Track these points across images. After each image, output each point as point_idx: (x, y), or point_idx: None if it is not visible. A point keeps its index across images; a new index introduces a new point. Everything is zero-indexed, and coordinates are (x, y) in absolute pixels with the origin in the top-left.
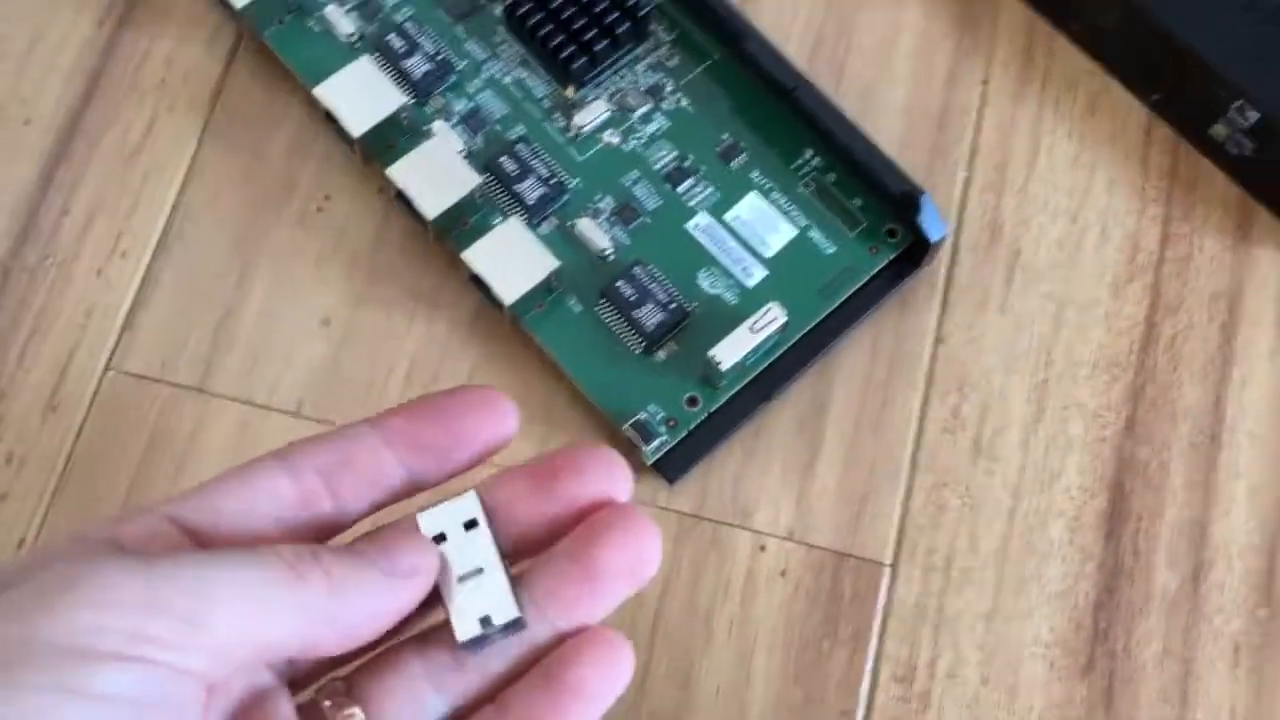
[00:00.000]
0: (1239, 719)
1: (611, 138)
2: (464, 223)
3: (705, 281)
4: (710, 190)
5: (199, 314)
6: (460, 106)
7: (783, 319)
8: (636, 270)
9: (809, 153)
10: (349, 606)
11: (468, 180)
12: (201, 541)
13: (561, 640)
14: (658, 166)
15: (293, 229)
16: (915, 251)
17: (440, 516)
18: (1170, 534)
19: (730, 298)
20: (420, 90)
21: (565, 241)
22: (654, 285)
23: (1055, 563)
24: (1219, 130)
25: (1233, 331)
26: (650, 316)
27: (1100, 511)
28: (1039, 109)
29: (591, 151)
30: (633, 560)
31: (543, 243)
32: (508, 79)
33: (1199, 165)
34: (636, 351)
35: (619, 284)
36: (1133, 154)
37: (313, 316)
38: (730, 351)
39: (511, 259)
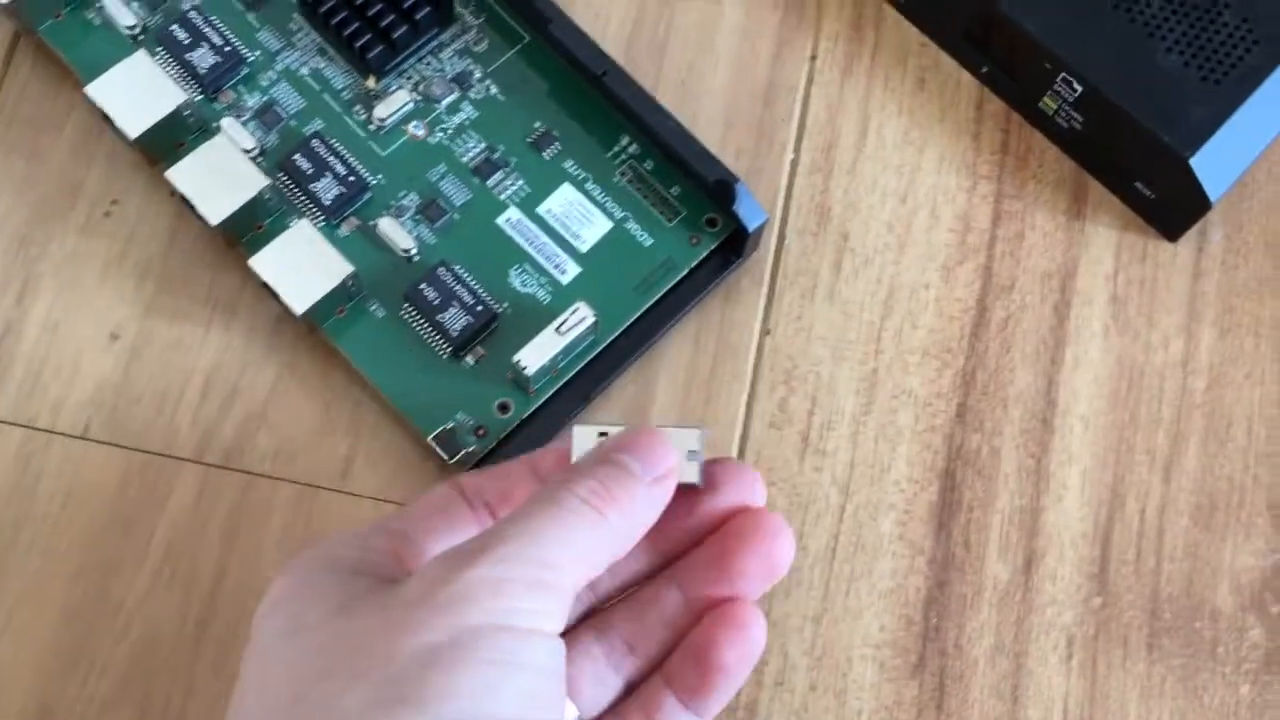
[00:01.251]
0: (1072, 712)
1: (416, 130)
2: (257, 226)
3: (517, 280)
4: (521, 183)
5: None
6: (253, 101)
7: (592, 318)
8: (441, 271)
9: (625, 140)
10: (636, 522)
11: (254, 181)
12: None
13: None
14: (465, 159)
15: (77, 237)
16: (736, 241)
17: (673, 436)
18: (1002, 524)
19: (543, 296)
20: (208, 85)
21: (367, 242)
22: (459, 287)
23: (885, 559)
24: (1048, 103)
25: (1065, 312)
26: (455, 320)
27: (931, 503)
28: (868, 85)
29: (395, 145)
30: (766, 564)
31: (340, 245)
32: (304, 70)
33: (1031, 139)
34: (443, 357)
35: (422, 287)
36: (964, 130)
37: (101, 330)
38: (536, 355)
39: (302, 265)
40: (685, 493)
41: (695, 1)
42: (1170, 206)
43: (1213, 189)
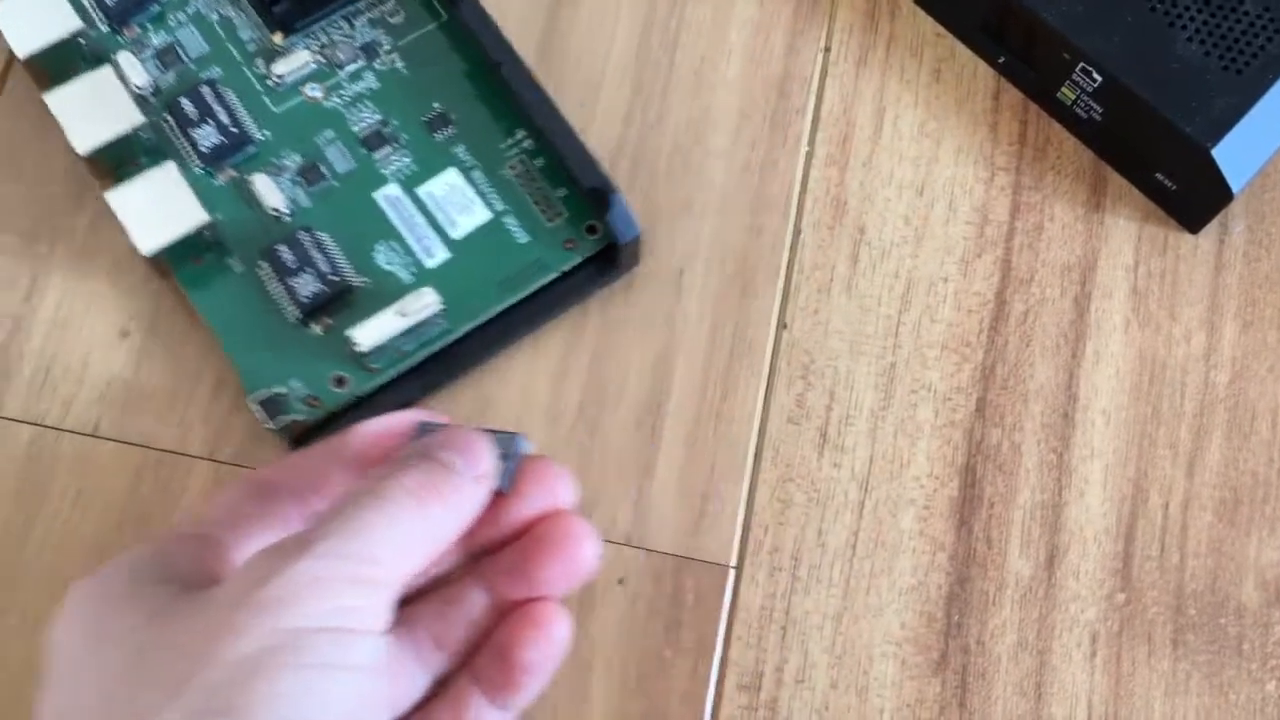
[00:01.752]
0: (1096, 709)
1: (313, 92)
2: (134, 162)
3: (382, 257)
4: (408, 160)
5: None
6: (158, 40)
7: (438, 305)
8: (302, 235)
9: (521, 134)
10: (457, 517)
11: (130, 116)
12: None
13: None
14: (356, 128)
15: (85, 233)
16: (612, 252)
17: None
18: (1024, 519)
19: (405, 277)
20: (114, 16)
21: (240, 196)
22: (318, 254)
23: (906, 555)
24: (1066, 94)
25: (1085, 305)
26: (306, 286)
27: (951, 499)
28: (883, 76)
29: (288, 104)
30: (568, 568)
31: (211, 195)
32: (214, 16)
33: (1050, 130)
34: (291, 322)
35: (279, 247)
36: (981, 121)
37: (111, 327)
38: (371, 333)
39: (159, 207)
40: (494, 495)
41: None
42: (1191, 198)
43: (1235, 180)
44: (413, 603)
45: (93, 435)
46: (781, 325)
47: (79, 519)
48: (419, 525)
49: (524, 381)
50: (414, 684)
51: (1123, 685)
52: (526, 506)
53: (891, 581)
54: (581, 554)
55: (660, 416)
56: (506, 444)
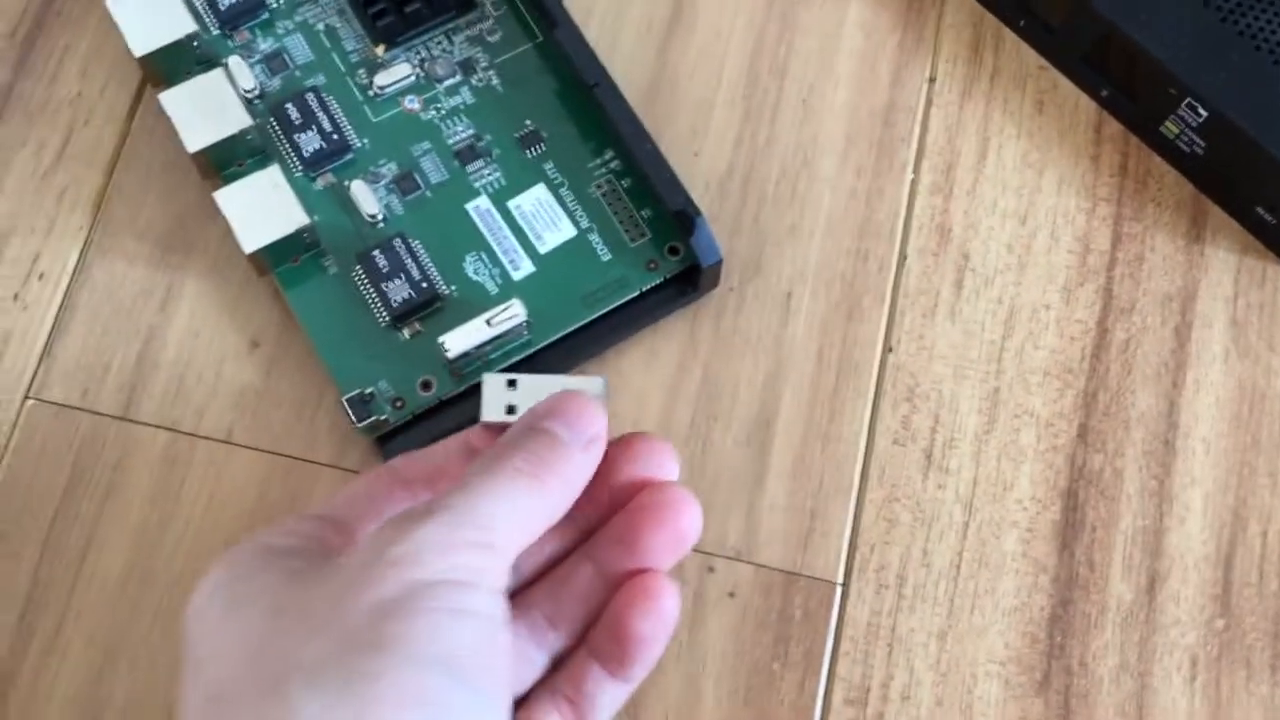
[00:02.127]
0: None
1: (411, 104)
2: (239, 163)
3: (470, 267)
4: (498, 174)
5: (121, 338)
6: (266, 45)
7: (523, 317)
8: (396, 242)
9: (609, 154)
10: (569, 487)
11: (239, 119)
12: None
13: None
14: (451, 141)
15: (219, 244)
16: (694, 273)
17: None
18: (1125, 544)
19: (491, 288)
20: (225, 21)
21: (337, 201)
22: (410, 261)
23: (1009, 576)
24: (1169, 128)
25: (1186, 334)
26: (398, 292)
27: (1054, 522)
28: (986, 107)
29: (387, 114)
30: (673, 538)
31: (309, 198)
32: (320, 26)
33: (1150, 162)
34: (382, 325)
35: (375, 253)
36: (1083, 152)
37: (242, 337)
38: (461, 340)
39: (262, 207)
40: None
41: (814, 25)
42: None
43: None
44: (526, 588)
45: (225, 441)
46: (887, 349)
47: (211, 523)
48: (531, 497)
49: (638, 393)
50: (533, 665)
51: (1222, 709)
52: (633, 473)
53: (995, 602)
54: (684, 521)
55: (769, 434)
56: (593, 388)
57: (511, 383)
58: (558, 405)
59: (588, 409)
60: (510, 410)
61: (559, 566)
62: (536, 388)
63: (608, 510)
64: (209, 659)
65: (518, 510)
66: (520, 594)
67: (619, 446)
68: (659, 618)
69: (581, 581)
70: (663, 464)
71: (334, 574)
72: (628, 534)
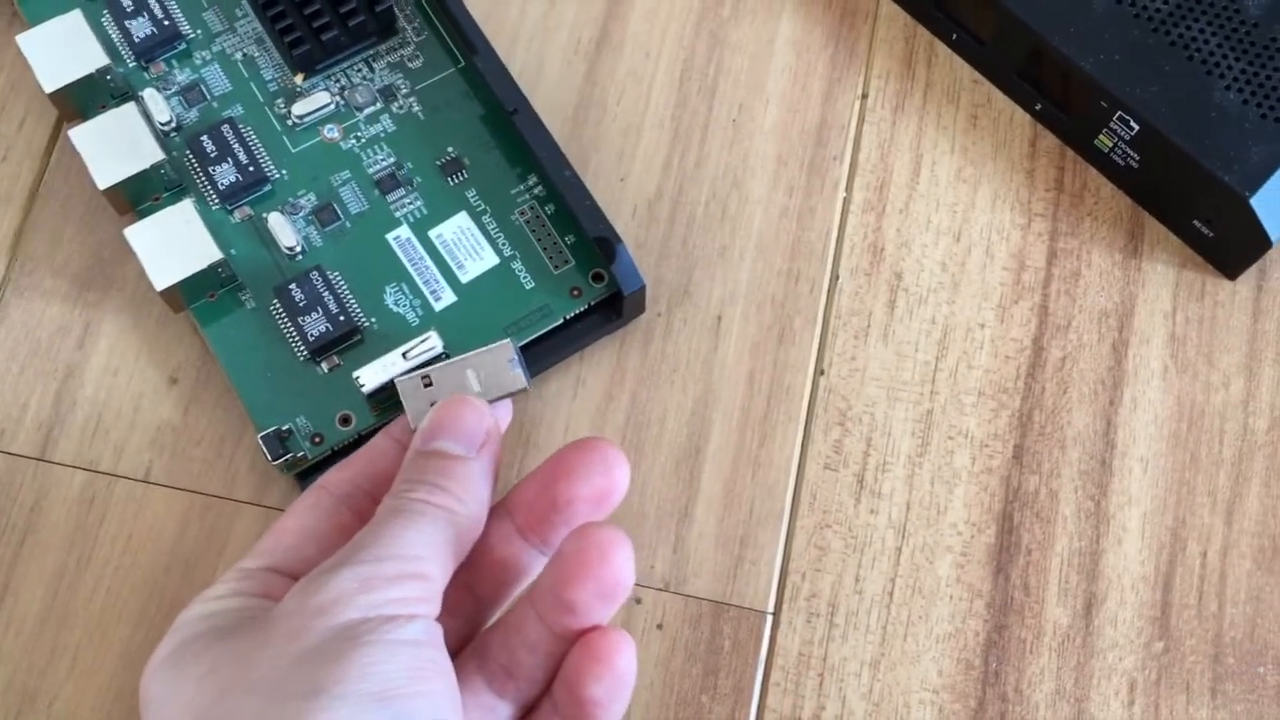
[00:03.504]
0: None
1: (330, 133)
2: (155, 198)
3: (391, 298)
4: (420, 203)
5: (39, 377)
6: (183, 76)
7: (440, 348)
8: (314, 275)
9: (532, 180)
10: (478, 499)
11: (150, 153)
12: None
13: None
14: (372, 170)
15: (136, 281)
16: (617, 300)
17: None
18: (1061, 567)
19: (412, 319)
20: (141, 53)
21: (255, 234)
22: (328, 294)
23: (943, 602)
24: (1104, 141)
25: (1123, 351)
26: (315, 325)
27: (989, 546)
28: (920, 123)
29: (306, 144)
30: (599, 591)
31: (227, 232)
32: (238, 55)
33: (1087, 176)
34: (300, 359)
35: (291, 287)
36: (1018, 166)
37: (161, 374)
38: (376, 374)
39: (175, 243)
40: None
41: (744, 42)
42: (1229, 245)
43: (1273, 227)
44: (484, 634)
45: (144, 480)
46: (819, 371)
47: (130, 562)
48: (444, 524)
49: (565, 422)
50: (495, 714)
51: None
52: (582, 486)
53: (929, 629)
54: (613, 571)
55: (699, 462)
56: (503, 354)
57: (426, 379)
58: (440, 419)
59: (468, 412)
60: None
61: (511, 612)
62: (450, 375)
63: (552, 512)
64: None
65: (434, 539)
66: (477, 642)
67: (563, 458)
68: (614, 680)
69: (530, 632)
70: (608, 468)
71: (265, 630)
72: (559, 585)
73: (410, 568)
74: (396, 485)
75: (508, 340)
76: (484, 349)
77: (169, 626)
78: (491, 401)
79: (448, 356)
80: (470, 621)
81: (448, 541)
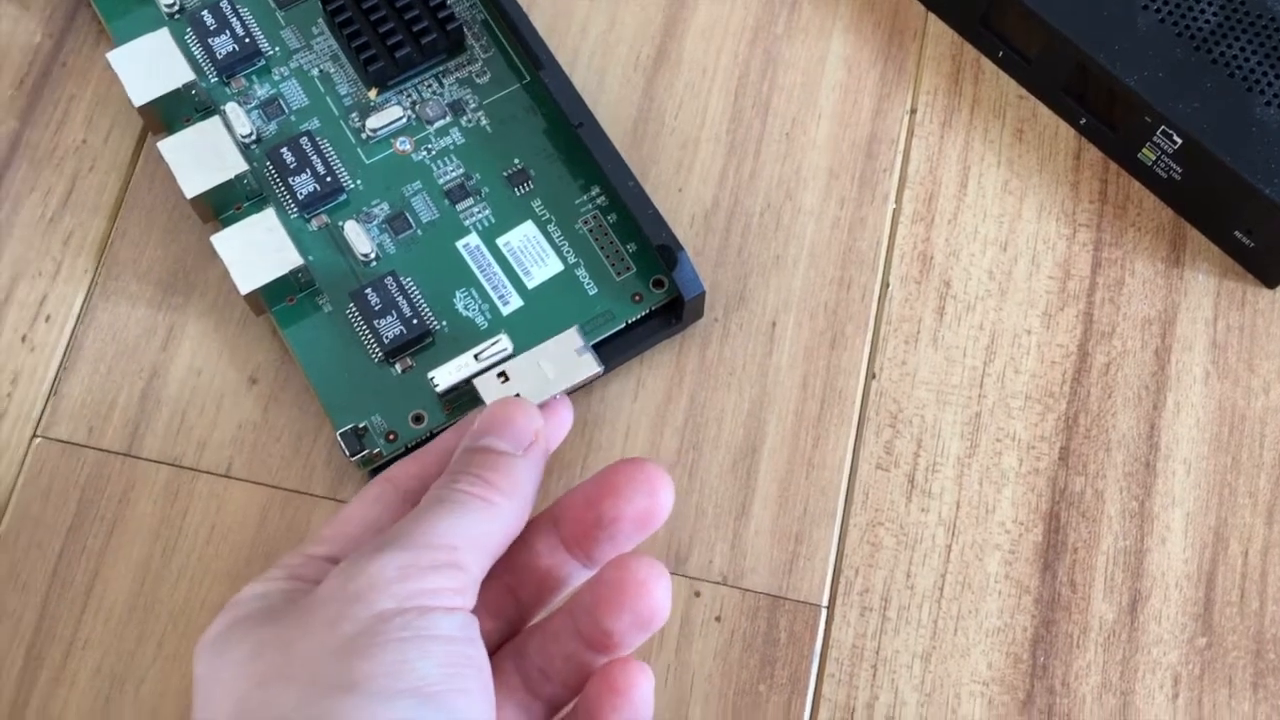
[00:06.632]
0: None
1: (402, 145)
2: (236, 207)
3: (460, 303)
4: (488, 212)
5: (125, 377)
6: (262, 91)
7: (509, 350)
8: (388, 280)
9: (595, 190)
10: (521, 496)
11: (235, 164)
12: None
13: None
14: (442, 181)
15: (220, 283)
16: (677, 306)
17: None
18: (1107, 565)
19: (481, 322)
20: (223, 70)
21: (331, 241)
22: (402, 298)
23: (992, 598)
24: (1146, 154)
25: (1166, 357)
26: (390, 328)
27: (1036, 544)
28: (967, 137)
29: (379, 156)
30: (636, 621)
31: (304, 239)
32: (315, 71)
33: (1130, 188)
34: (375, 361)
35: (367, 291)
36: (1063, 179)
37: (241, 374)
38: (449, 374)
39: (258, 249)
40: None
41: (797, 60)
42: (1269, 255)
43: None
44: (524, 634)
45: (225, 476)
46: (870, 375)
47: (212, 554)
48: (486, 516)
49: (626, 423)
50: (529, 713)
51: None
52: (626, 506)
53: (979, 623)
54: (649, 603)
55: (755, 461)
56: (570, 342)
57: (502, 375)
58: (491, 418)
59: (519, 412)
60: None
61: (550, 620)
62: (525, 368)
63: (596, 528)
64: (203, 707)
65: (475, 531)
66: (517, 641)
67: (611, 476)
68: (630, 712)
69: (567, 642)
70: (653, 491)
71: (305, 615)
72: (598, 610)
73: (447, 557)
74: (444, 477)
75: (573, 328)
76: (551, 341)
77: None
78: (569, 392)
79: (515, 357)
80: (510, 623)
81: (487, 534)
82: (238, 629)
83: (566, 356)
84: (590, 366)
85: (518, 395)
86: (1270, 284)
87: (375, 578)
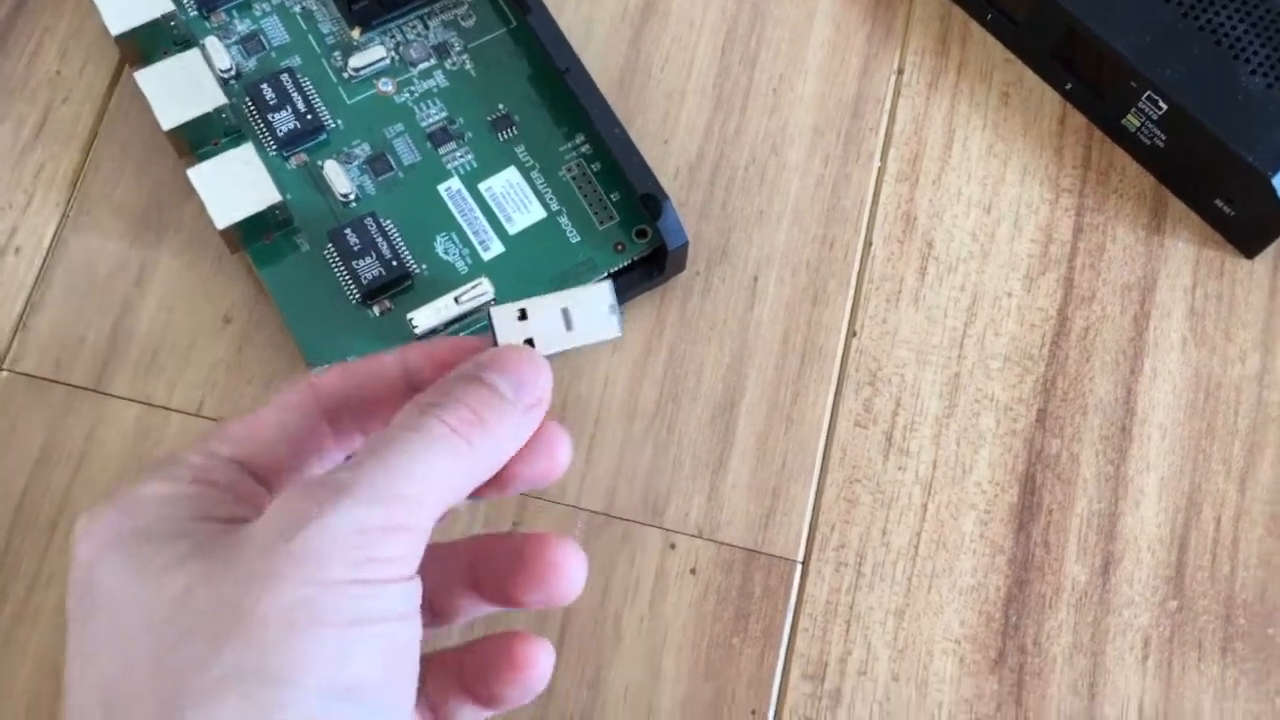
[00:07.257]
0: (1148, 711)
1: (385, 86)
2: (214, 141)
3: (441, 246)
4: (470, 157)
5: (96, 312)
6: (243, 26)
7: (490, 295)
8: (368, 221)
9: (580, 138)
10: (500, 450)
11: (213, 97)
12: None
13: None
14: (424, 124)
15: (194, 221)
16: (660, 256)
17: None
18: (1080, 527)
19: (461, 267)
20: (203, 2)
21: (310, 181)
22: (381, 240)
23: (966, 557)
24: (1131, 120)
25: (1144, 323)
26: (369, 269)
27: (1011, 505)
28: (953, 99)
29: (361, 96)
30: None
31: (283, 176)
32: (297, 8)
33: (1113, 155)
34: (352, 302)
35: (346, 231)
36: (1047, 144)
37: (216, 313)
38: (428, 317)
39: (235, 185)
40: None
41: (785, 16)
42: (1249, 224)
43: None
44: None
45: (196, 415)
46: (851, 333)
47: None
48: (460, 460)
49: (605, 375)
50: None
51: (1173, 689)
52: (526, 467)
53: (952, 581)
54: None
55: (734, 415)
56: (602, 296)
57: (520, 312)
58: (506, 358)
59: (538, 369)
60: (529, 345)
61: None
62: (546, 310)
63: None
64: (107, 641)
65: (443, 476)
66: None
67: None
68: (525, 687)
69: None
70: (559, 451)
71: (239, 551)
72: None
73: (405, 517)
74: (426, 396)
75: (607, 281)
76: (582, 288)
77: None
78: (581, 348)
79: (497, 303)
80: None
81: (454, 483)
82: (153, 543)
83: (594, 311)
84: (613, 329)
85: (529, 343)
86: (1249, 254)
87: (325, 538)
